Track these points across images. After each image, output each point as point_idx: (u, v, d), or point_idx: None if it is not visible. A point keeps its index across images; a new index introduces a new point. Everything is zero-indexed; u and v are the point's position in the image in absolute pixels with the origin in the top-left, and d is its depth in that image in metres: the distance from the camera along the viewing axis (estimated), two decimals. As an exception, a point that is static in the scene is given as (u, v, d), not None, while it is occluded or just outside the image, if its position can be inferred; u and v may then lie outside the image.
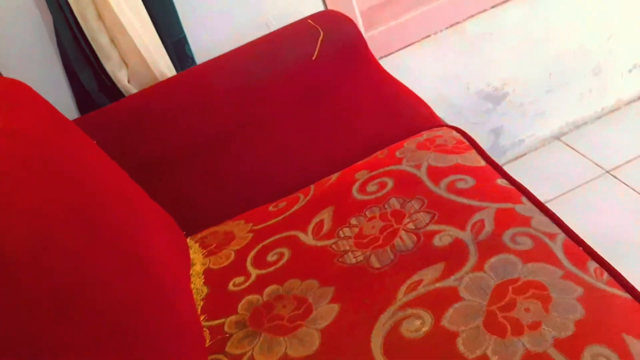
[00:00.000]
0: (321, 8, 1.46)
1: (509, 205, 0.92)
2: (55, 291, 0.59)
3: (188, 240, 1.15)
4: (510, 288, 0.77)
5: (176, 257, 0.99)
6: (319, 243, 0.99)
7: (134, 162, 1.18)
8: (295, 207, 1.11)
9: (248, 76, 1.24)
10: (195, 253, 1.11)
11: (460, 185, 0.98)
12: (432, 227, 0.92)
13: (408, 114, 1.25)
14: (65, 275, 0.61)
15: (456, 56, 1.67)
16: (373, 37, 1.55)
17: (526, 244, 0.84)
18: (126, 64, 1.23)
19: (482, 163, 1.04)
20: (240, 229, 1.12)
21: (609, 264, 0.79)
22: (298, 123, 1.25)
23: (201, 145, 1.23)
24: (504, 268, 0.80)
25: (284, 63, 1.26)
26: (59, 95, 1.30)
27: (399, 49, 1.60)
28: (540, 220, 0.88)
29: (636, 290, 0.75)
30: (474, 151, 1.08)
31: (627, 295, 0.74)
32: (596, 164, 1.75)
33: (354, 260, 0.93)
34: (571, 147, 1.85)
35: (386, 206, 1.00)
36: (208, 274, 1.05)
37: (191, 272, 1.06)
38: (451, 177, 1.01)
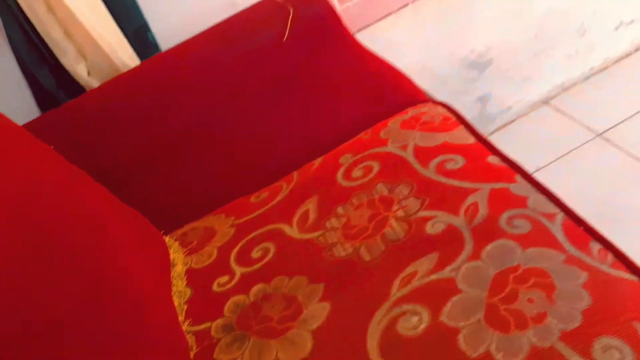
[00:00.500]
0: (288, -18, 1.38)
1: (502, 185, 0.87)
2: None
3: (167, 239, 1.09)
4: (510, 277, 0.73)
5: (152, 263, 0.94)
6: (305, 236, 0.95)
7: (101, 161, 1.12)
8: (279, 198, 1.06)
9: (216, 62, 1.17)
10: (176, 252, 1.06)
11: (450, 165, 0.93)
12: (423, 213, 0.87)
13: (390, 90, 1.19)
14: (12, 324, 0.55)
15: (437, 24, 1.60)
16: (347, 9, 1.47)
17: (524, 227, 0.79)
18: (84, 57, 1.16)
19: (472, 140, 0.99)
20: (221, 224, 1.07)
21: (612, 244, 0.75)
22: (274, 108, 1.18)
23: (173, 137, 1.16)
24: (502, 255, 0.76)
25: (254, 46, 1.18)
26: (18, 94, 1.22)
27: (376, 21, 1.53)
28: (536, 200, 0.83)
29: (643, 271, 0.70)
30: (462, 127, 1.03)
31: (634, 278, 0.70)
32: (587, 127, 1.70)
33: (343, 253, 0.88)
34: (561, 111, 1.80)
35: (373, 192, 0.95)
36: (191, 274, 1.00)
37: (172, 273, 1.01)
38: (440, 158, 0.96)
